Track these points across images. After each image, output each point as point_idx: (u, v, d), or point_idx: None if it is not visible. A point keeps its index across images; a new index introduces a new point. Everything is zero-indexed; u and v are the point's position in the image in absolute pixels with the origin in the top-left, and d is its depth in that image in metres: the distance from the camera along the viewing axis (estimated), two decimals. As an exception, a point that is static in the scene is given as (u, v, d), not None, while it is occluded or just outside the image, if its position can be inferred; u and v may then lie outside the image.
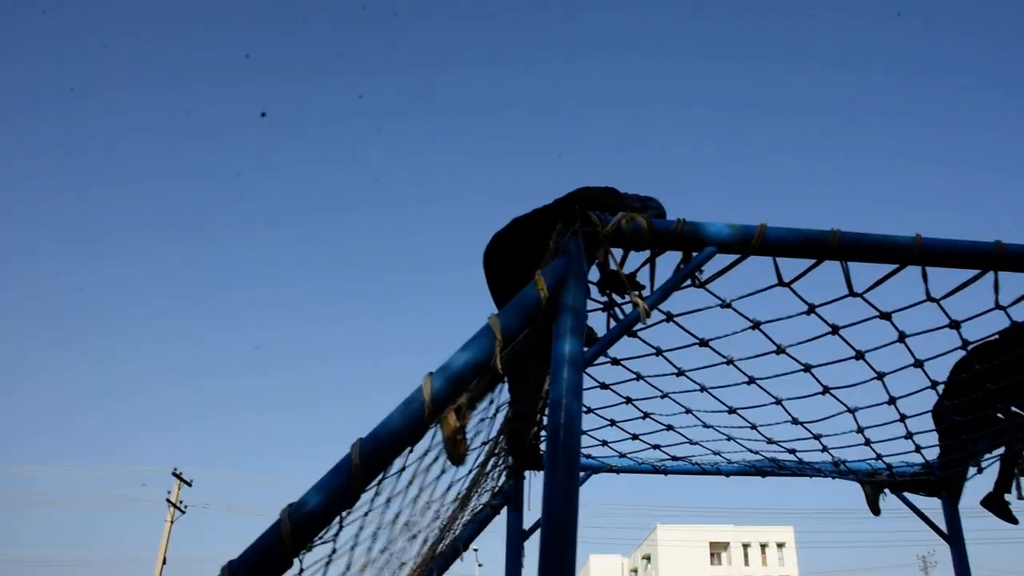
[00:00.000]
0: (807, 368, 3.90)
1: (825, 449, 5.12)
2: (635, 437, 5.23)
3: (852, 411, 4.44)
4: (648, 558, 62.79)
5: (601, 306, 3.42)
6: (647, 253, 3.01)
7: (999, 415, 4.87)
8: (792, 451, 5.28)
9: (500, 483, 5.39)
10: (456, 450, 3.09)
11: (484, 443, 3.81)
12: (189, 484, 31.51)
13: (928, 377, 4.04)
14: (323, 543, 2.34)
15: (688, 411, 4.67)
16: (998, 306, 3.34)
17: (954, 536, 5.81)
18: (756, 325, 3.53)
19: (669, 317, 3.42)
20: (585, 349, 2.78)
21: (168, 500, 30.62)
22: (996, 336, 4.18)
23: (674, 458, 5.80)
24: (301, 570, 2.26)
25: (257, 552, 2.19)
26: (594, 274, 3.14)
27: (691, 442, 5.31)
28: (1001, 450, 5.34)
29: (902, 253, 3.00)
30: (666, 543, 59.12)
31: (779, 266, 3.07)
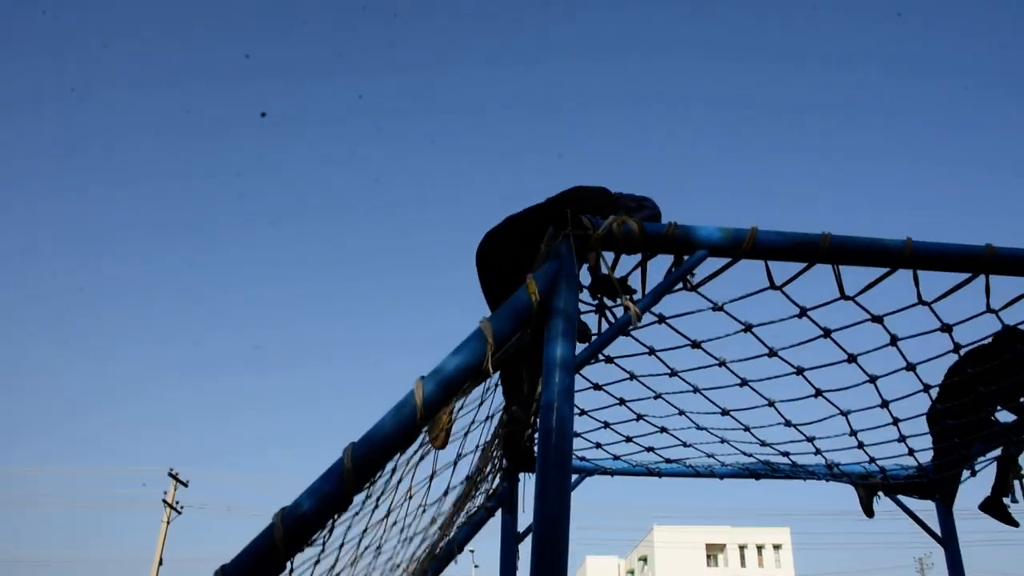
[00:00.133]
0: (799, 371, 3.92)
1: (818, 452, 5.14)
2: (629, 439, 5.25)
3: (845, 414, 4.46)
4: (644, 559, 62.78)
5: (593, 309, 3.43)
6: (639, 256, 3.02)
7: (992, 418, 4.89)
8: (786, 453, 5.29)
9: (495, 485, 5.40)
10: (439, 434, 3.10)
11: (478, 446, 3.82)
12: (185, 485, 31.49)
13: (920, 380, 4.06)
14: (315, 546, 2.36)
15: (682, 412, 4.68)
16: (990, 309, 3.35)
17: (948, 538, 5.83)
18: (748, 328, 3.55)
19: (661, 319, 3.43)
20: (578, 346, 2.79)
21: (164, 501, 30.59)
22: (989, 340, 4.20)
23: (668, 460, 5.81)
24: (291, 570, 2.27)
25: (250, 556, 2.21)
26: (585, 277, 3.15)
27: (685, 444, 5.32)
28: (996, 453, 5.36)
29: (893, 256, 3.01)
30: (662, 544, 59.10)
31: (771, 269, 3.09)
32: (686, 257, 2.93)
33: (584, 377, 4.26)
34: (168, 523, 30.32)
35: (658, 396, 4.42)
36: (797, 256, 2.97)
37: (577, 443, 5.37)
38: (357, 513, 2.76)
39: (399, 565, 4.43)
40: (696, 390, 4.27)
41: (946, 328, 3.54)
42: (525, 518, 5.32)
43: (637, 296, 3.07)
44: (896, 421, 4.56)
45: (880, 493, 6.01)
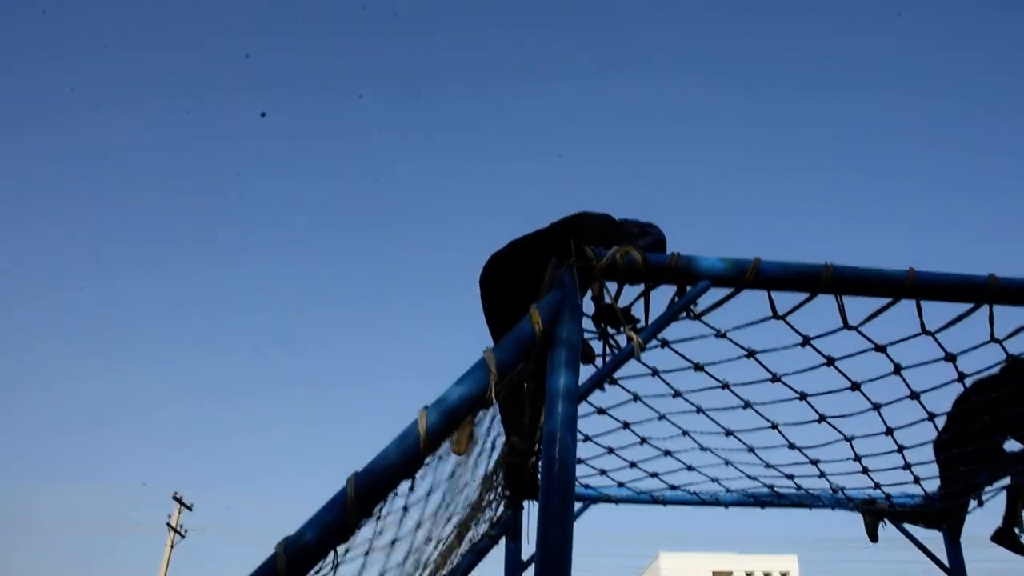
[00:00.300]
0: (803, 397, 3.92)
1: (823, 475, 5.12)
2: (633, 465, 5.24)
3: (849, 439, 4.46)
4: (651, 586, 62.21)
5: (596, 336, 3.44)
6: (642, 286, 3.03)
7: (999, 447, 4.87)
8: (790, 476, 5.27)
9: (498, 513, 5.38)
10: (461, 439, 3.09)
11: (482, 475, 3.82)
12: (190, 508, 31.37)
13: (925, 409, 4.06)
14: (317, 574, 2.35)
15: (685, 433, 4.68)
16: (994, 339, 3.36)
17: (956, 568, 5.78)
18: (751, 354, 3.55)
19: (664, 344, 3.44)
20: (582, 369, 2.81)
21: (168, 524, 30.48)
22: (998, 370, 4.20)
23: (673, 487, 5.79)
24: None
25: (253, 586, 2.21)
26: (589, 306, 3.17)
27: (689, 468, 5.31)
28: (1004, 482, 5.34)
29: (896, 287, 3.02)
30: (669, 571, 58.57)
31: (774, 298, 3.10)
32: (689, 287, 2.94)
33: (588, 402, 4.26)
34: (172, 547, 30.18)
35: (662, 417, 4.42)
36: (799, 286, 2.98)
37: (581, 470, 5.36)
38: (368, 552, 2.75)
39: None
40: (699, 410, 4.28)
41: (950, 357, 3.55)
42: (529, 546, 5.30)
43: (640, 325, 3.09)
44: (901, 449, 4.54)
45: (886, 520, 5.97)
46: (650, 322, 3.02)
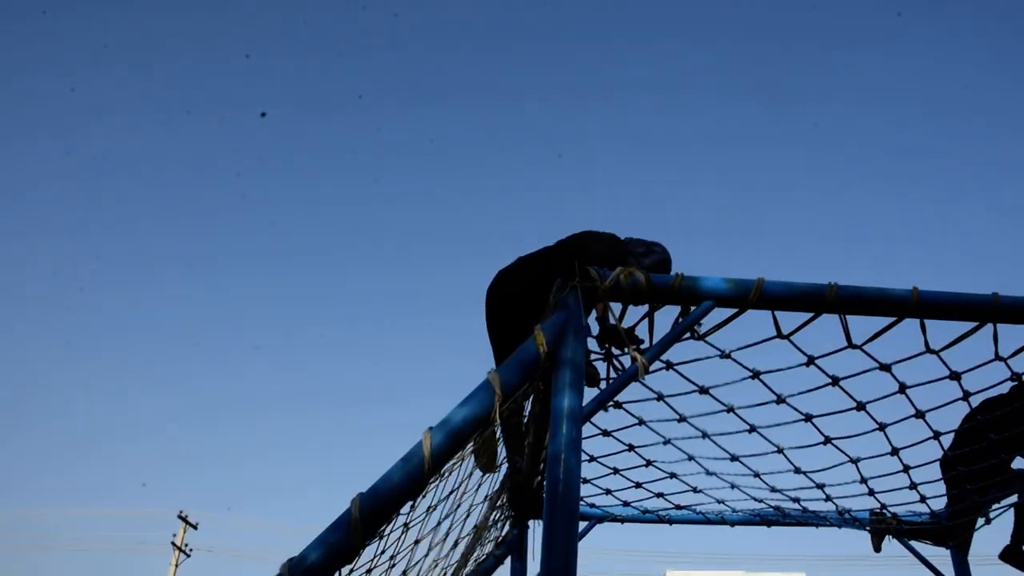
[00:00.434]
0: (808, 418, 3.91)
1: (829, 499, 5.10)
2: (638, 485, 5.22)
3: (855, 461, 4.44)
4: (658, 604, 61.82)
5: (601, 357, 3.45)
6: (646, 306, 3.05)
7: (1007, 464, 4.86)
8: (796, 499, 5.26)
9: (504, 532, 5.37)
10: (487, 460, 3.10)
11: (486, 497, 3.82)
12: (195, 527, 31.33)
13: (930, 428, 4.05)
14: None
15: (691, 458, 4.67)
16: (998, 357, 3.36)
17: (963, 587, 5.76)
18: (756, 375, 3.55)
19: (669, 366, 3.45)
20: (587, 391, 2.81)
21: (173, 543, 30.43)
22: (1008, 389, 4.20)
23: (679, 507, 5.77)
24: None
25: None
26: (593, 327, 3.17)
27: (695, 490, 5.30)
28: (1012, 500, 5.32)
29: (899, 306, 3.04)
30: (676, 589, 58.22)
31: (778, 318, 3.11)
32: (693, 307, 2.96)
33: (593, 423, 4.26)
34: (177, 566, 30.12)
35: (667, 442, 4.41)
36: (803, 306, 3.00)
37: (587, 489, 5.35)
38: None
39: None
40: (705, 435, 4.27)
41: (955, 376, 3.54)
42: (535, 566, 5.29)
43: (644, 345, 3.10)
44: (907, 468, 4.53)
45: (891, 535, 5.95)
46: (654, 343, 3.03)
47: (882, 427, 4.01)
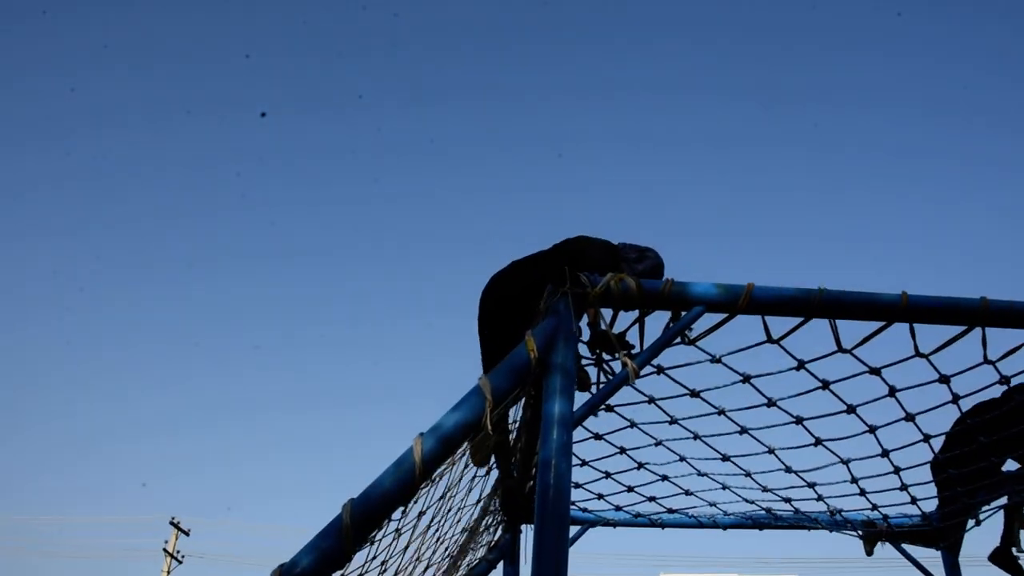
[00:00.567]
0: (799, 420, 3.93)
1: (820, 498, 5.12)
2: (630, 489, 5.23)
3: (846, 462, 4.46)
4: (651, 607, 61.85)
5: (592, 362, 3.46)
6: (637, 312, 3.06)
7: (997, 467, 4.88)
8: (788, 500, 5.27)
9: (496, 537, 5.37)
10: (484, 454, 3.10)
11: (478, 501, 3.82)
12: (187, 533, 31.22)
13: (920, 430, 4.07)
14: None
15: (682, 459, 4.68)
16: (987, 360, 3.38)
17: (955, 588, 5.78)
18: (747, 379, 3.57)
19: (660, 370, 3.45)
20: (578, 395, 2.82)
21: (165, 550, 30.32)
22: (1000, 394, 4.22)
23: (671, 510, 5.78)
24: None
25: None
26: (585, 332, 3.19)
27: (687, 492, 5.31)
28: (1002, 502, 5.34)
29: (888, 311, 3.06)
30: (669, 592, 58.28)
31: (768, 323, 3.13)
32: (683, 313, 2.97)
33: (585, 427, 4.27)
34: (168, 573, 30.01)
35: (659, 443, 4.43)
36: (793, 311, 3.01)
37: (579, 494, 5.36)
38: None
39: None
40: (696, 437, 4.29)
41: (944, 379, 3.56)
42: (527, 570, 5.29)
43: (635, 351, 3.11)
44: (898, 470, 4.55)
45: (884, 539, 5.97)
46: (644, 348, 3.04)
47: (872, 429, 4.03)
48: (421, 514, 3.03)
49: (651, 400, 3.85)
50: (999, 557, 5.46)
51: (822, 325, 3.15)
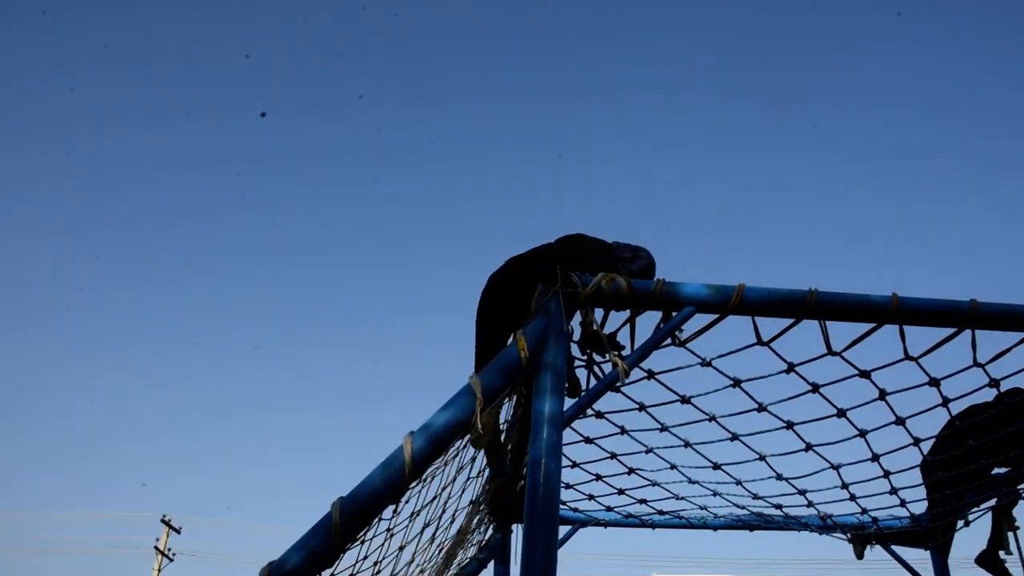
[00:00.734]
0: (789, 425, 3.93)
1: (811, 504, 5.13)
2: (621, 492, 5.23)
3: (836, 467, 4.46)
4: (643, 609, 61.89)
5: (583, 364, 3.46)
6: (628, 312, 3.06)
7: (987, 470, 4.89)
8: (778, 506, 5.28)
9: (487, 536, 5.37)
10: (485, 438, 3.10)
11: (471, 502, 3.82)
12: (178, 531, 31.13)
13: (910, 434, 4.07)
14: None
15: (673, 466, 4.68)
16: (976, 363, 3.39)
17: (944, 590, 5.80)
18: (737, 383, 3.57)
19: (651, 375, 3.45)
20: (568, 400, 2.82)
21: (156, 548, 30.23)
22: (994, 397, 4.24)
23: (661, 512, 5.79)
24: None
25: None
26: (577, 332, 3.18)
27: (677, 497, 5.31)
28: (990, 503, 5.36)
29: (879, 313, 3.06)
30: (661, 593, 58.33)
31: (758, 325, 3.13)
32: (674, 313, 2.97)
33: (575, 430, 4.27)
34: (159, 570, 29.92)
35: (649, 451, 4.42)
36: (784, 312, 3.02)
37: (570, 494, 5.36)
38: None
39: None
40: (687, 445, 4.28)
41: (934, 382, 3.57)
42: (518, 569, 5.29)
43: (626, 352, 3.10)
44: (887, 474, 4.55)
45: (873, 541, 5.99)
46: (635, 348, 3.04)
47: (863, 433, 4.03)
48: (414, 515, 3.03)
49: (641, 407, 3.84)
50: (986, 560, 5.48)
51: (812, 327, 3.16)
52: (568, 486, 5.14)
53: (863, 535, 5.89)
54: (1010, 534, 5.49)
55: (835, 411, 3.79)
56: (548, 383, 2.64)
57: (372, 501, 2.37)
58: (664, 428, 4.05)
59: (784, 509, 5.34)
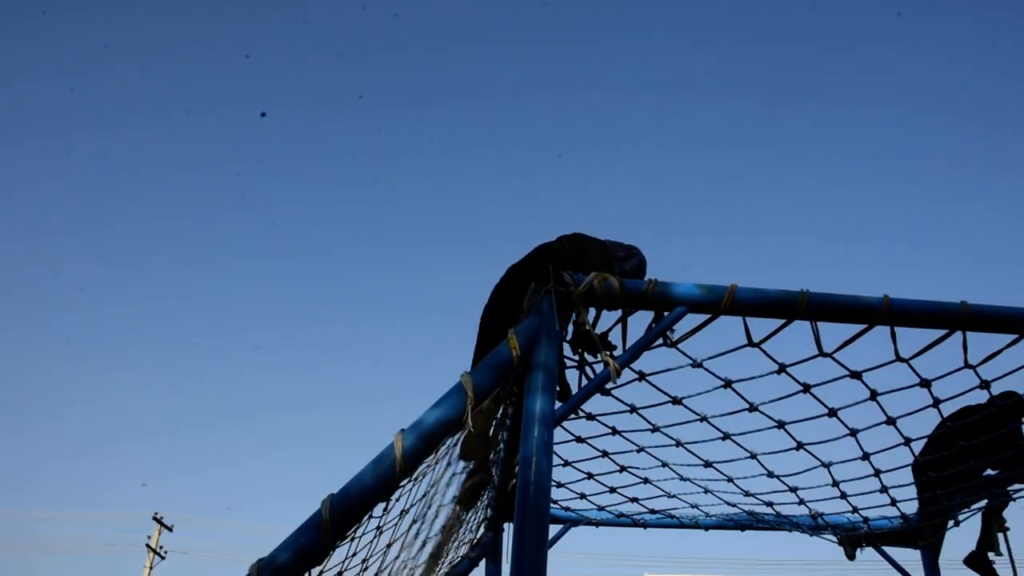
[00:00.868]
0: (780, 424, 3.94)
1: (802, 502, 5.14)
2: (613, 490, 5.24)
3: (827, 466, 4.47)
4: (635, 608, 61.94)
5: (574, 364, 3.45)
6: (620, 312, 3.06)
7: (978, 471, 4.91)
8: (769, 504, 5.29)
9: (479, 535, 5.37)
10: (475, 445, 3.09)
11: (453, 498, 3.82)
12: (170, 529, 31.07)
13: (901, 434, 4.08)
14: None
15: (665, 464, 4.69)
16: (967, 365, 3.40)
17: (934, 590, 5.81)
18: (728, 384, 3.57)
19: (642, 376, 3.45)
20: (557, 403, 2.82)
21: (148, 545, 30.17)
22: (988, 399, 4.25)
23: (653, 511, 5.79)
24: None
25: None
26: (570, 331, 3.18)
27: (669, 495, 5.32)
28: (980, 504, 5.38)
29: (870, 314, 3.07)
30: (653, 593, 58.40)
31: (750, 325, 3.13)
32: (666, 313, 2.97)
33: (566, 429, 4.27)
34: (151, 568, 29.86)
35: (641, 450, 4.43)
36: (775, 313, 3.02)
37: (562, 493, 5.37)
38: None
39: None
40: (678, 444, 4.29)
41: (925, 383, 3.58)
42: (509, 568, 5.29)
43: (617, 352, 3.10)
44: (878, 473, 4.57)
45: (863, 543, 6.00)
46: (627, 348, 3.04)
47: (853, 433, 4.04)
48: (404, 512, 3.03)
49: (633, 409, 3.84)
50: (975, 561, 5.50)
51: (803, 327, 3.16)
52: (559, 484, 5.15)
53: (853, 537, 5.91)
54: (1000, 535, 5.52)
55: (826, 411, 3.80)
56: (540, 382, 2.64)
57: (362, 499, 2.37)
58: (656, 429, 4.05)
59: (775, 507, 5.35)
